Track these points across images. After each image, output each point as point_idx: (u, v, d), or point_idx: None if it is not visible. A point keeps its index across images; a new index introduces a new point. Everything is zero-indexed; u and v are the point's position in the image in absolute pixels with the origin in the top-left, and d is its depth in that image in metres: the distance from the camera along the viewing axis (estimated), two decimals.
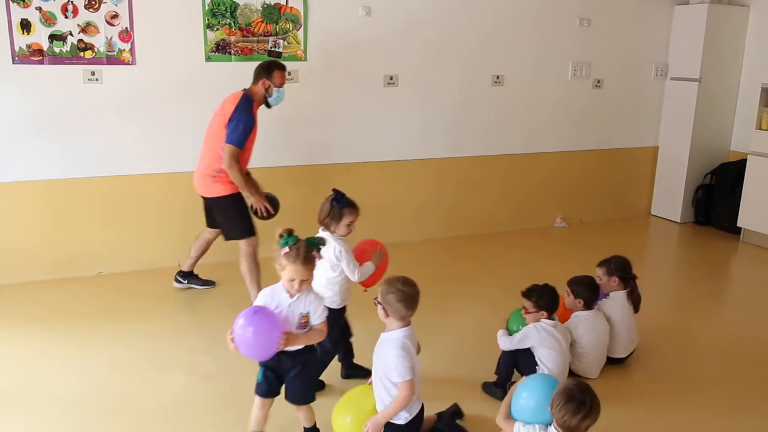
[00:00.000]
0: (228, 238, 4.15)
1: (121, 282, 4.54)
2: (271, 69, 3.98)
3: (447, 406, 2.94)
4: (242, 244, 3.99)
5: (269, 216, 4.08)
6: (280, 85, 4.01)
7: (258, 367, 2.60)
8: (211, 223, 4.26)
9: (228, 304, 4.19)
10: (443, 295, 4.38)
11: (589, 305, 3.32)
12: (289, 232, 2.45)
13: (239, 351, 2.41)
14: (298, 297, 2.47)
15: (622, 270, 3.46)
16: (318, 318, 2.51)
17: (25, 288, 4.38)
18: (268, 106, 4.09)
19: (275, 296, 2.50)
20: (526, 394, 2.46)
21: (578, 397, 2.21)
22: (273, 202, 4.13)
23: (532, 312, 3.10)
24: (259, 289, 3.96)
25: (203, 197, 4.08)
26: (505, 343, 3.13)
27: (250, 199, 4.06)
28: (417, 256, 5.22)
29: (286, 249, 2.40)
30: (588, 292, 3.31)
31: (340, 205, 3.00)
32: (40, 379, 3.25)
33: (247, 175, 4.02)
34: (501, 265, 5.12)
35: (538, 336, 3.04)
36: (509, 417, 2.47)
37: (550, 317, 3.10)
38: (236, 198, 3.99)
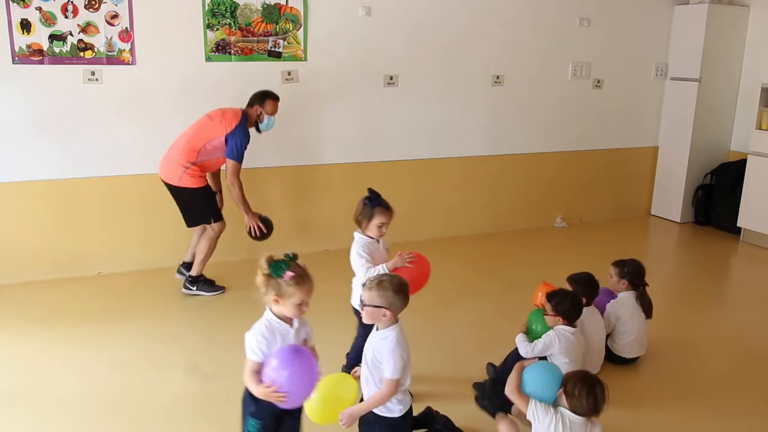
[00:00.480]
0: (193, 224, 4.31)
1: (121, 282, 4.55)
2: (265, 98, 4.29)
3: (446, 404, 2.92)
4: (210, 226, 4.24)
5: (263, 236, 4.28)
6: (272, 114, 4.31)
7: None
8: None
9: (228, 304, 4.20)
10: (442, 294, 4.37)
11: (589, 302, 3.33)
12: (273, 258, 2.20)
13: (285, 398, 2.16)
14: (297, 323, 2.27)
15: (633, 275, 3.48)
16: (312, 338, 2.39)
17: (25, 288, 4.38)
18: (259, 130, 4.37)
19: (275, 333, 2.22)
20: (529, 381, 2.48)
21: (592, 380, 2.38)
22: (266, 223, 4.31)
23: (550, 315, 3.08)
24: (202, 269, 4.28)
25: (168, 185, 4.17)
26: (526, 350, 3.06)
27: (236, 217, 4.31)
28: None
29: (291, 273, 2.16)
30: (590, 289, 3.33)
31: (372, 205, 2.98)
32: (40, 379, 3.25)
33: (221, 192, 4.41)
34: (501, 265, 5.12)
35: (559, 345, 3.01)
36: (521, 391, 2.46)
37: (570, 324, 3.06)
38: (204, 190, 4.23)
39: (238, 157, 4.13)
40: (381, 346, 2.39)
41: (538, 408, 2.40)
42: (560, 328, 3.05)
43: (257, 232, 4.27)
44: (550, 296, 3.10)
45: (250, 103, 4.30)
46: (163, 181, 4.20)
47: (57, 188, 4.48)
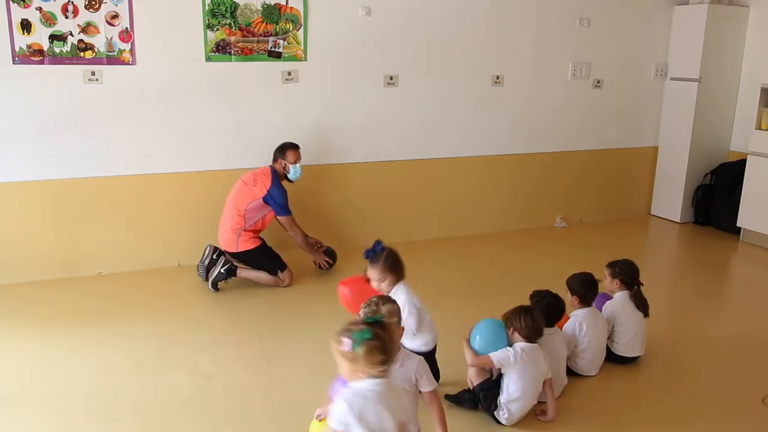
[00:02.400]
0: (273, 273, 4.49)
1: (122, 282, 4.55)
2: (285, 149, 4.53)
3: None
4: (281, 275, 4.47)
5: (330, 266, 4.71)
6: (294, 162, 4.53)
7: None
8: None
9: (228, 305, 4.20)
10: (441, 295, 4.37)
11: (587, 302, 3.33)
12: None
13: None
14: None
15: (625, 275, 3.48)
16: None
17: (24, 288, 4.38)
18: (290, 180, 4.58)
19: None
20: (478, 336, 2.95)
21: (526, 308, 2.94)
22: (330, 255, 4.74)
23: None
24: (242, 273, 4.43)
25: (231, 253, 4.43)
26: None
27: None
28: (416, 256, 5.20)
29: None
30: (585, 289, 3.33)
31: (366, 256, 3.11)
32: (41, 378, 3.25)
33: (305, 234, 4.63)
34: (501, 265, 5.12)
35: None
36: (478, 355, 2.91)
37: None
38: (261, 248, 4.46)
39: (287, 212, 4.46)
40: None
41: (500, 356, 2.84)
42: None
43: (325, 265, 4.68)
44: (531, 297, 3.15)
45: (274, 159, 4.53)
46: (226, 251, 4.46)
47: (57, 188, 4.48)
